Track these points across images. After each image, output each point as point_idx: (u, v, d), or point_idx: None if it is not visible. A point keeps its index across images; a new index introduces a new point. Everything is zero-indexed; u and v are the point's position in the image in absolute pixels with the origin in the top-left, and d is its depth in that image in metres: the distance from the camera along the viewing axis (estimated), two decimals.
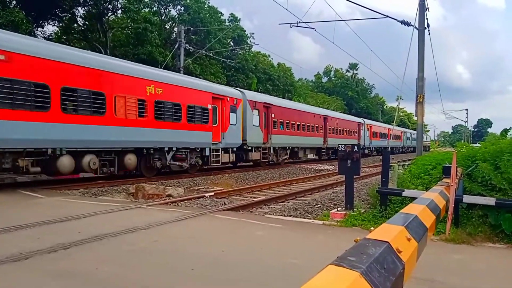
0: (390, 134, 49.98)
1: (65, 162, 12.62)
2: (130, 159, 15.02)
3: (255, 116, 22.97)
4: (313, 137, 31.02)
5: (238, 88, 24.36)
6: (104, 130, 13.78)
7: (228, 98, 20.56)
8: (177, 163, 17.26)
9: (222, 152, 20.02)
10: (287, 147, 27.04)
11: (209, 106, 18.89)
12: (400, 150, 59.48)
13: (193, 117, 17.82)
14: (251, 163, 23.42)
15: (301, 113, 29.48)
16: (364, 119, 47.46)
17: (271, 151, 24.73)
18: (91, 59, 13.93)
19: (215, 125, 19.30)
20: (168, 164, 16.75)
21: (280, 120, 25.90)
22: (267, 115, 24.27)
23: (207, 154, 18.86)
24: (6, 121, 10.94)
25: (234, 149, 21.22)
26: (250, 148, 22.31)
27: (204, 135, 18.56)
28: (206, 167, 19.65)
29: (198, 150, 18.51)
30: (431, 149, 44.76)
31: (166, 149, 16.50)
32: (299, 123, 28.57)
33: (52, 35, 34.72)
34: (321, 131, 32.68)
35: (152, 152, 15.89)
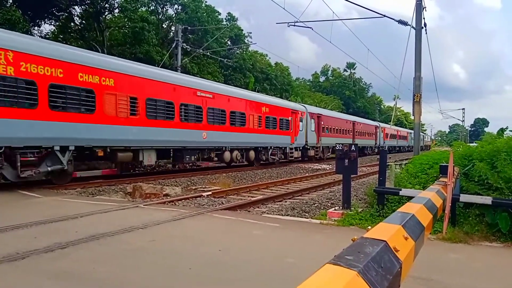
0: (399, 135, 61.76)
1: (226, 156, 20.71)
2: (251, 153, 23.24)
3: (312, 124, 31.03)
4: (346, 138, 38.34)
5: (302, 104, 34.15)
6: (244, 136, 22.02)
7: (299, 112, 28.77)
8: (272, 157, 24.96)
9: (294, 150, 27.66)
10: (330, 146, 33.81)
11: (289, 118, 27.05)
12: (407, 148, 67.05)
13: (282, 126, 26.06)
14: (297, 158, 29.50)
15: (339, 120, 38.42)
16: (380, 123, 55.43)
17: (321, 150, 32.49)
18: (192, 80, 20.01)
19: (291, 131, 27.21)
20: (267, 157, 24.55)
21: (327, 126, 34.00)
22: (318, 122, 32.16)
23: (287, 151, 26.77)
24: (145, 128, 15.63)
25: (300, 148, 29.04)
26: (309, 147, 30.02)
27: (286, 138, 26.61)
28: (285, 160, 27.32)
29: (283, 148, 26.30)
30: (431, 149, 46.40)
31: (268, 147, 24.51)
32: (337, 128, 36.91)
33: (49, 34, 34.62)
34: (351, 133, 41.04)
35: (260, 149, 23.93)
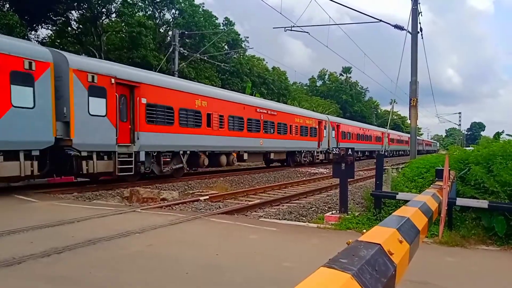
0: (401, 140, 67.02)
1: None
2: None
3: (333, 131, 35.77)
4: (360, 143, 43.82)
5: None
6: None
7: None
8: (304, 159, 29.89)
9: (320, 153, 32.60)
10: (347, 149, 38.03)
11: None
12: (408, 152, 68.29)
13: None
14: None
15: (354, 127, 43.68)
16: (387, 130, 56.20)
17: None
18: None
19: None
20: (300, 160, 29.19)
21: (344, 132, 38.78)
22: (338, 129, 37.18)
23: (314, 154, 31.83)
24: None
25: (324, 152, 33.45)
26: (330, 151, 33.28)
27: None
28: (313, 162, 31.54)
29: (311, 152, 31.27)
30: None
31: (302, 151, 29.67)
32: (353, 134, 42.16)
33: (46, 38, 34.59)
34: (364, 139, 46.34)
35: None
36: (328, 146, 34.03)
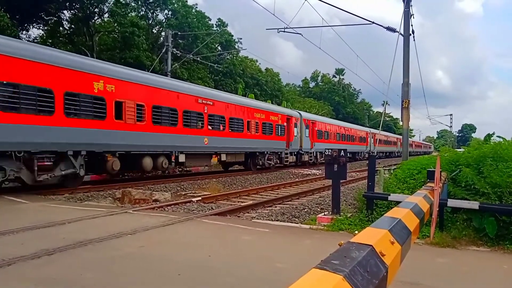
0: (389, 141, 64.75)
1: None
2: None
3: (306, 130, 31.83)
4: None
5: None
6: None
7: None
8: (268, 161, 25.95)
9: (289, 155, 28.61)
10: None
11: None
12: (396, 154, 69.30)
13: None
14: (258, 166, 28.26)
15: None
16: (370, 129, 58.01)
17: (314, 155, 33.32)
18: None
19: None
20: (263, 162, 25.38)
21: (320, 131, 35.30)
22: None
23: (282, 156, 27.69)
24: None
25: (295, 153, 29.70)
26: (303, 152, 30.72)
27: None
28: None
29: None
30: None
31: (265, 152, 25.40)
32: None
33: (37, 38, 34.32)
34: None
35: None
36: (300, 146, 30.21)
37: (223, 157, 21.47)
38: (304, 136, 31.14)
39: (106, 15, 36.57)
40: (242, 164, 25.02)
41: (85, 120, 13.39)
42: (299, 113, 32.18)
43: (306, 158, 31.61)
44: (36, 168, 11.93)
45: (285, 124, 28.01)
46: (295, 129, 29.43)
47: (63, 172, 12.92)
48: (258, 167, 25.05)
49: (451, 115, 67.29)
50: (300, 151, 30.31)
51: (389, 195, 7.45)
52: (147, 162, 16.14)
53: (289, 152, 28.37)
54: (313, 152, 32.89)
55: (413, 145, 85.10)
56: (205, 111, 19.53)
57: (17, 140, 11.36)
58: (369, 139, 52.66)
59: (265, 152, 25.32)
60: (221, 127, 20.96)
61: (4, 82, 11.05)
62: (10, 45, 11.51)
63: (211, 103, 19.99)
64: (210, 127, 19.95)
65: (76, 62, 13.38)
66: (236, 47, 48.55)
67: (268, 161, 25.79)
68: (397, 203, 6.42)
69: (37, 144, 11.91)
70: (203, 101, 19.39)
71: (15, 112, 11.32)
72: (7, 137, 11.14)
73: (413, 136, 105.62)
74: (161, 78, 18.97)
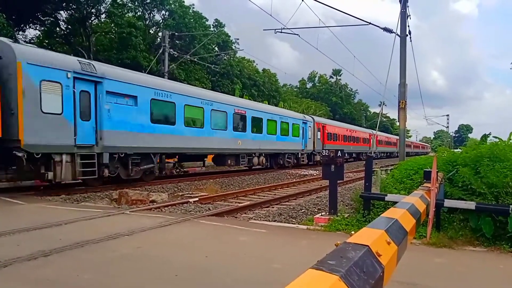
0: (389, 141, 66.98)
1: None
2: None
3: (318, 132, 34.84)
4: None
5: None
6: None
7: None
8: (288, 160, 29.09)
9: (304, 155, 31.86)
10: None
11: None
12: (397, 154, 69.89)
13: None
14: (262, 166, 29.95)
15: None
16: (373, 130, 59.11)
17: None
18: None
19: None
20: (284, 162, 28.48)
21: (330, 134, 38.01)
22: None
23: (299, 156, 31.01)
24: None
25: (309, 153, 32.68)
26: (316, 153, 32.93)
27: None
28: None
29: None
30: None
31: (286, 154, 28.75)
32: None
33: (34, 39, 34.22)
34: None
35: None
36: (313, 147, 33.26)
37: (259, 159, 25.21)
38: (317, 138, 34.36)
39: (103, 15, 36.51)
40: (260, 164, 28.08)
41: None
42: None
43: (318, 158, 33.19)
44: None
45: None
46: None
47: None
48: (278, 166, 28.24)
49: (447, 115, 67.50)
50: (313, 152, 33.05)
51: (386, 195, 7.46)
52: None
53: (304, 152, 31.68)
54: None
55: (412, 146, 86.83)
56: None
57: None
58: (371, 140, 54.29)
59: (285, 153, 28.85)
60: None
61: None
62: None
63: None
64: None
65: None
66: (233, 47, 48.56)
67: (288, 160, 29.19)
68: (394, 203, 6.44)
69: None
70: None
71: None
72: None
73: (410, 136, 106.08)
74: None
